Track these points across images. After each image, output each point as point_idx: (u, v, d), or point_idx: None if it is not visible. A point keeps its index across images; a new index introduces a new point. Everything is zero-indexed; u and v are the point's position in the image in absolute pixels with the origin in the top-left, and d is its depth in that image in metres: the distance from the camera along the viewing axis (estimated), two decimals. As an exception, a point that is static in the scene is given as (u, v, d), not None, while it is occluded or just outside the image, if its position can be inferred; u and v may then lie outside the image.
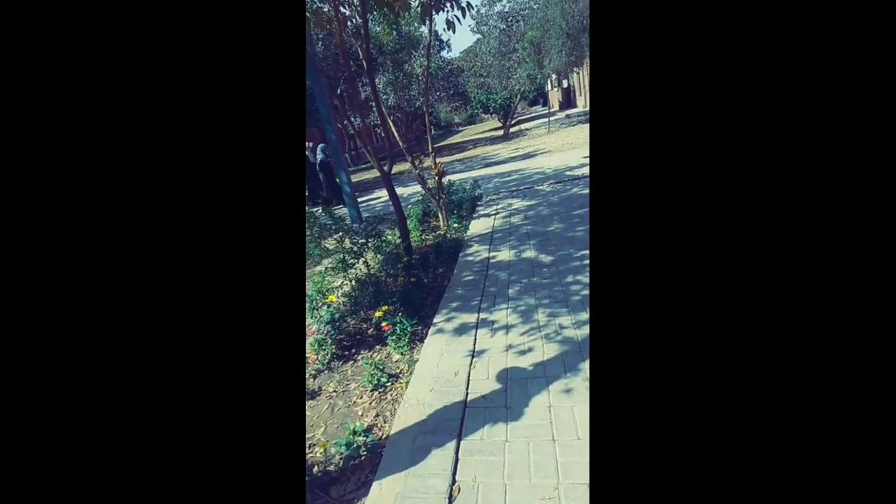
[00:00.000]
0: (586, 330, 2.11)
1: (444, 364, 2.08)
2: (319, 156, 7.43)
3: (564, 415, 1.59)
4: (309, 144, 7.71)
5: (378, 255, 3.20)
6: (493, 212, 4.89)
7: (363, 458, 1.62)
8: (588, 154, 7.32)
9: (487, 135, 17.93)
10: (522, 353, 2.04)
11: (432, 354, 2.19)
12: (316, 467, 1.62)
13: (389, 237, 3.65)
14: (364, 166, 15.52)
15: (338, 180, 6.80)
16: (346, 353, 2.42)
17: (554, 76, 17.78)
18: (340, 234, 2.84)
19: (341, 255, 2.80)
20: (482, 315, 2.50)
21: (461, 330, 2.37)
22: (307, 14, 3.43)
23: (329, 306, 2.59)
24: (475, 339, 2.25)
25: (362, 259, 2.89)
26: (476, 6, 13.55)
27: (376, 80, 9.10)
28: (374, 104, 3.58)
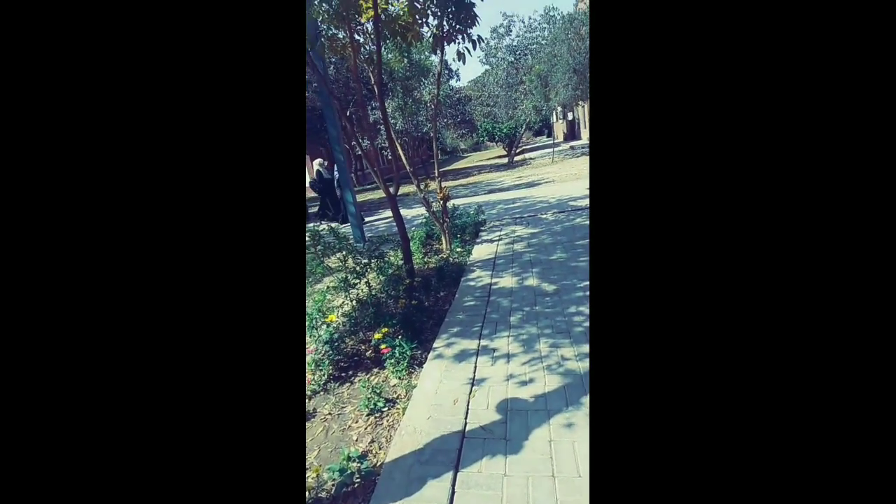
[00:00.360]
0: (588, 363, 2.07)
1: (442, 391, 2.04)
2: (337, 174, 7.53)
3: (565, 450, 1.55)
4: (324, 163, 7.85)
5: (380, 276, 3.19)
6: (497, 238, 4.91)
7: (356, 485, 1.57)
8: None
9: (492, 162, 18.22)
10: (524, 383, 2.01)
11: (431, 380, 2.14)
12: (308, 493, 1.56)
13: (392, 258, 3.65)
14: (369, 186, 15.69)
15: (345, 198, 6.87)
16: (343, 374, 2.37)
17: (559, 109, 18.24)
18: (344, 252, 2.84)
19: (343, 275, 2.79)
20: (483, 342, 2.47)
21: (461, 356, 2.33)
22: (322, 40, 3.55)
23: (328, 326, 2.56)
24: (475, 367, 2.21)
25: (364, 279, 2.88)
26: (486, 39, 14.04)
27: (385, 104, 9.33)
28: (382, 127, 3.65)
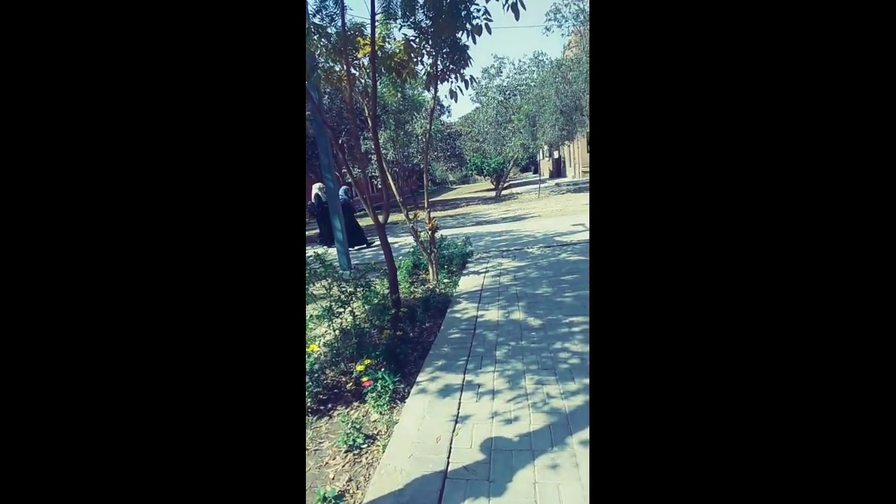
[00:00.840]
0: (574, 401, 2.04)
1: (425, 428, 1.97)
2: (342, 196, 7.50)
3: (550, 493, 1.49)
4: (323, 187, 7.86)
5: (365, 305, 3.14)
6: (483, 269, 4.92)
7: (330, 531, 1.47)
8: (577, 222, 7.53)
9: (480, 194, 18.55)
10: (508, 421, 1.96)
11: (413, 416, 2.07)
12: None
13: (378, 287, 3.61)
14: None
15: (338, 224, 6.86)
16: (322, 407, 2.28)
17: (545, 147, 18.88)
18: (329, 280, 2.80)
19: (328, 303, 2.74)
20: (468, 377, 2.42)
21: (445, 391, 2.28)
22: (318, 71, 3.65)
23: (309, 356, 2.49)
24: (459, 403, 2.15)
25: (349, 308, 2.83)
26: (477, 78, 14.63)
27: (378, 135, 9.49)
28: (373, 157, 3.70)
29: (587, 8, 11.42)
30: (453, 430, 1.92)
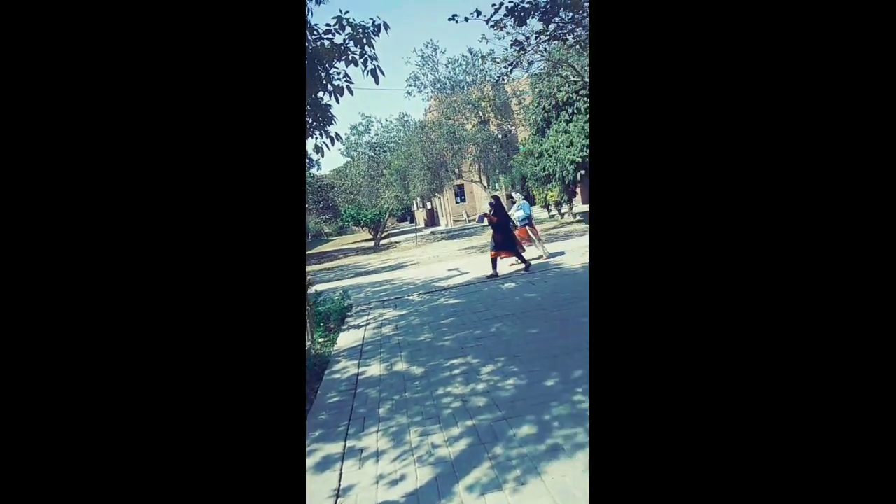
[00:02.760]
0: (458, 446, 2.05)
1: (301, 513, 1.73)
2: None
3: (441, 553, 1.43)
4: None
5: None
6: (364, 322, 4.78)
7: None
8: (452, 267, 7.94)
9: (358, 245, 18.35)
10: (394, 482, 1.85)
11: (287, 502, 1.81)
12: None
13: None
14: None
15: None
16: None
17: (418, 199, 19.90)
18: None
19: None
20: (350, 442, 2.24)
21: (324, 464, 2.06)
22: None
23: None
24: (340, 475, 1.97)
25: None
26: (346, 134, 14.96)
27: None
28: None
29: (443, 77, 12.85)
30: (334, 509, 1.73)
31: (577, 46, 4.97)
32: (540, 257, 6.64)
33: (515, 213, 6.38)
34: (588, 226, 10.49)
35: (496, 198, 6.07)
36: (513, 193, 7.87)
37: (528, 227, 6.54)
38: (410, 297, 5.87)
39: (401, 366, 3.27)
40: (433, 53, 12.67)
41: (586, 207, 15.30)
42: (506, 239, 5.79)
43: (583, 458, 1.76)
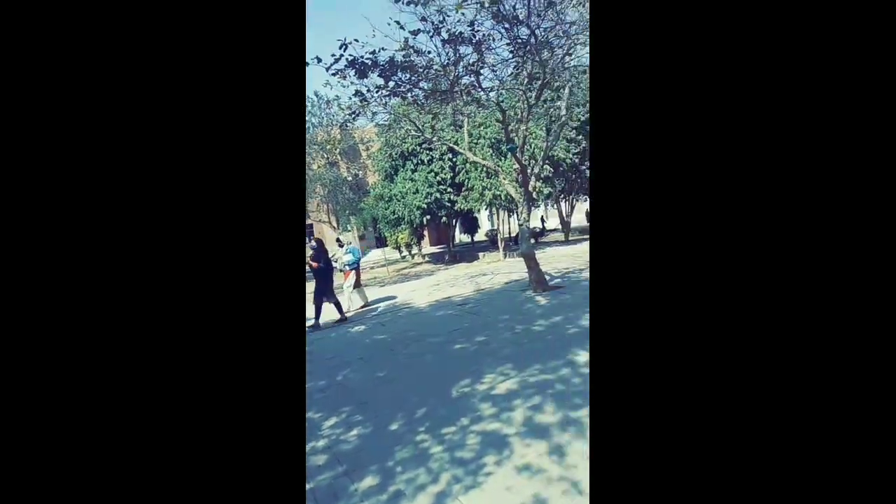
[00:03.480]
0: None
1: None
2: None
3: None
4: None
5: None
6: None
7: None
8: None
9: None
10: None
11: None
12: None
13: None
14: None
15: None
16: None
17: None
18: None
19: None
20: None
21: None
22: None
23: None
24: None
25: None
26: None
27: None
28: None
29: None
30: None
31: (415, 105, 5.47)
32: (364, 305, 6.40)
33: (344, 257, 6.08)
34: (434, 266, 11.20)
35: (319, 241, 5.72)
36: (340, 237, 7.69)
37: (354, 272, 6.16)
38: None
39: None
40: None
41: (434, 249, 16.36)
42: (324, 287, 5.42)
43: (424, 501, 1.78)
